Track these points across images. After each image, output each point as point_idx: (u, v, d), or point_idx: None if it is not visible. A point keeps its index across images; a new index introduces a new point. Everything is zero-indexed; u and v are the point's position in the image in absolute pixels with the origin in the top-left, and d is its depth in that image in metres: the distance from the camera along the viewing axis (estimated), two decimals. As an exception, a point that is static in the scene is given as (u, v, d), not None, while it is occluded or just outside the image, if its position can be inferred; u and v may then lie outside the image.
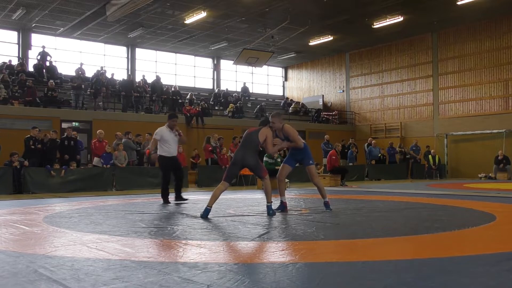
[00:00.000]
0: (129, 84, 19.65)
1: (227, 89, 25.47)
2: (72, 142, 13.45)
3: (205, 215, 6.20)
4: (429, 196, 9.94)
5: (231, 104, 22.38)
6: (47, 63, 19.99)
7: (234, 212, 6.93)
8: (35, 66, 19.88)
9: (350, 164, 19.05)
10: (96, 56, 23.39)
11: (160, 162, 8.71)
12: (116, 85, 19.95)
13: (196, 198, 9.94)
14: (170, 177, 8.78)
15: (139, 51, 24.61)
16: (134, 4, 15.95)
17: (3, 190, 11.57)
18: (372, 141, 20.68)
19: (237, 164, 6.57)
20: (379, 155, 20.31)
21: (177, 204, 8.48)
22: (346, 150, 19.24)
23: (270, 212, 6.44)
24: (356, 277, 3.05)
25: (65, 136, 13.61)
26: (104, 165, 13.38)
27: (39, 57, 19.94)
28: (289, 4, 17.88)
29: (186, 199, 8.86)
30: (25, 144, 12.81)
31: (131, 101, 19.28)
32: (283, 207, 6.97)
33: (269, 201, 6.50)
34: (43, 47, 20.21)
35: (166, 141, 8.61)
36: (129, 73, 23.45)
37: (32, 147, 12.73)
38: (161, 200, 8.74)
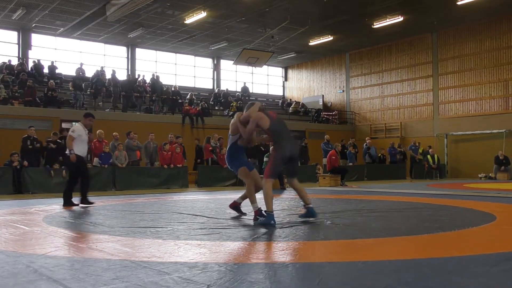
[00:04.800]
0: (129, 84, 19.66)
1: (227, 89, 25.48)
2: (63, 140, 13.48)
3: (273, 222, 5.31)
4: (429, 196, 9.94)
5: (233, 103, 22.38)
6: (45, 69, 20.13)
7: (234, 212, 6.92)
8: (35, 66, 19.92)
9: (350, 164, 19.04)
10: (96, 56, 23.40)
11: (75, 161, 8.27)
12: (116, 84, 19.96)
13: (196, 198, 9.94)
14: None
15: (139, 51, 24.61)
16: (134, 4, 15.95)
17: (3, 190, 11.56)
18: (368, 141, 20.57)
19: (291, 157, 5.61)
20: (379, 155, 20.34)
21: (83, 207, 8.08)
22: (345, 150, 19.23)
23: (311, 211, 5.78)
24: (356, 277, 3.05)
25: (61, 135, 13.62)
26: (102, 165, 13.36)
27: (33, 66, 20.06)
28: (289, 4, 17.88)
29: (93, 202, 8.45)
30: (22, 143, 12.79)
31: (131, 101, 19.29)
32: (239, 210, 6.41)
33: (308, 202, 5.82)
34: (38, 60, 20.37)
35: (83, 141, 8.42)
36: (129, 73, 23.46)
37: (30, 146, 12.71)
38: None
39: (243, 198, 6.32)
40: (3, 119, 15.70)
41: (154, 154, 14.85)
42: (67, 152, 8.51)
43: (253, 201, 5.89)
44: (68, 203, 8.19)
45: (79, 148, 8.31)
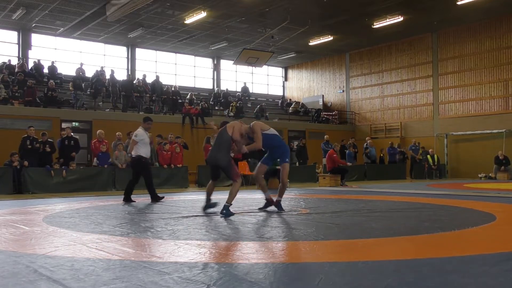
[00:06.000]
0: (129, 84, 19.66)
1: (227, 89, 25.47)
2: (72, 141, 13.47)
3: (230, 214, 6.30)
4: (429, 196, 9.94)
5: (233, 103, 22.38)
6: (45, 69, 20.12)
7: (234, 212, 6.92)
8: (35, 67, 19.92)
9: (350, 164, 19.01)
10: (96, 56, 23.39)
11: (142, 162, 9.16)
12: (114, 84, 19.96)
13: (196, 198, 9.94)
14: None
15: (139, 51, 24.61)
16: (134, 4, 15.95)
17: (3, 190, 11.56)
18: (368, 141, 20.57)
19: (210, 164, 6.80)
20: (381, 154, 20.33)
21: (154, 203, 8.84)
22: (345, 150, 19.22)
23: (224, 212, 6.33)
24: (356, 277, 3.05)
25: (65, 136, 13.61)
26: (101, 165, 13.35)
27: (33, 66, 20.04)
28: (289, 4, 17.88)
29: (163, 197, 9.32)
30: (21, 143, 12.77)
31: (131, 101, 19.28)
32: (268, 204, 7.01)
33: (228, 202, 6.44)
34: (38, 60, 20.34)
35: (146, 143, 9.19)
36: (129, 73, 23.45)
37: (29, 146, 12.69)
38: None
39: (280, 195, 6.97)
40: (3, 119, 15.69)
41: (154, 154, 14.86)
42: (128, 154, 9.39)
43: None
44: (128, 200, 9.01)
45: (144, 151, 9.13)
